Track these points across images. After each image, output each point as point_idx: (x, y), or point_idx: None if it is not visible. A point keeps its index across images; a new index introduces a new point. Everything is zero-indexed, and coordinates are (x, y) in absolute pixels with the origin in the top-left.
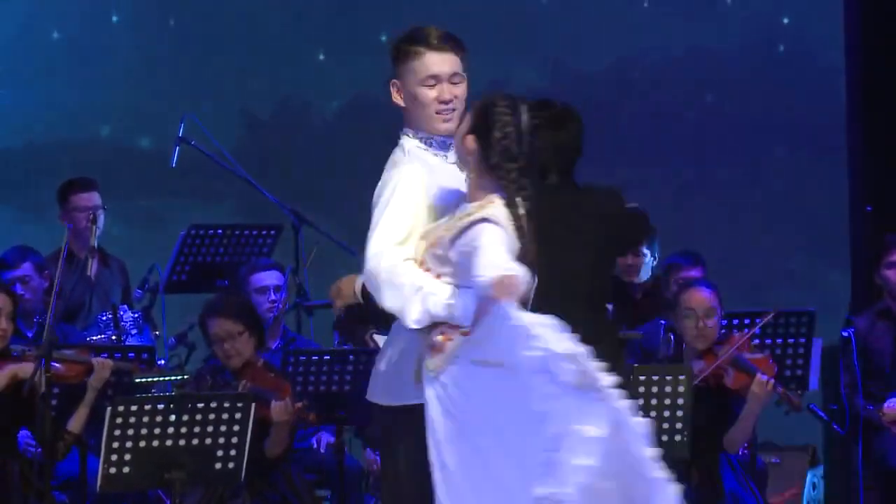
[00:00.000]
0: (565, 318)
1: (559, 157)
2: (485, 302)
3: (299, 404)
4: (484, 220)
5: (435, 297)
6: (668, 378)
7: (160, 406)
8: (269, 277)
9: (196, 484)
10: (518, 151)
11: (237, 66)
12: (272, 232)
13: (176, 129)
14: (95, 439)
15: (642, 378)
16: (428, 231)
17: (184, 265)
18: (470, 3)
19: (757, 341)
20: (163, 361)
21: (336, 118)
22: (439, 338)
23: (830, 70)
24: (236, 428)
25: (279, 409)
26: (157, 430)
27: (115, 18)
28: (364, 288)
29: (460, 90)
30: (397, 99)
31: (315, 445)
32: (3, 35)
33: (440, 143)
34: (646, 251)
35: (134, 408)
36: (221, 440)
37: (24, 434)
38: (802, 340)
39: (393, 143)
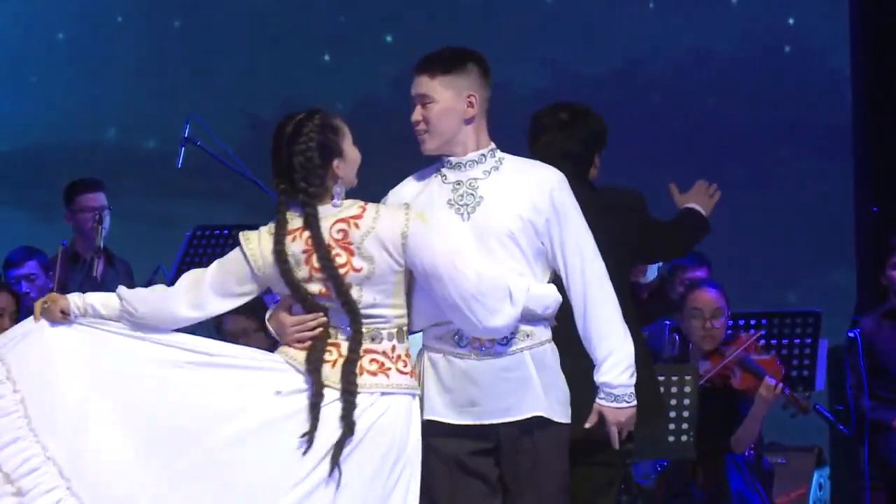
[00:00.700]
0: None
1: (560, 159)
2: None
3: None
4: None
5: None
6: (674, 378)
7: None
8: None
9: None
10: (282, 163)
11: (242, 68)
12: None
13: (181, 129)
14: None
15: None
16: None
17: (189, 266)
18: (473, 5)
19: (763, 342)
20: None
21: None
22: None
23: (836, 71)
24: None
25: None
26: None
27: (119, 19)
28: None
29: (428, 112)
30: None
31: None
32: (8, 36)
33: (443, 161)
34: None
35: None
36: None
37: None
38: (809, 341)
39: (397, 144)
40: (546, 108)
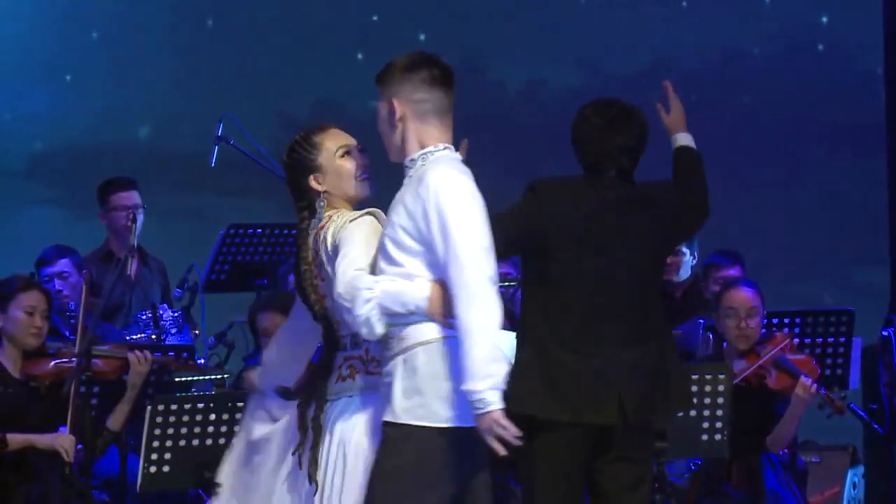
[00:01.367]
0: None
1: (619, 157)
2: None
3: None
4: None
5: None
6: (708, 377)
7: (200, 405)
8: None
9: None
10: None
11: (275, 67)
12: None
13: (214, 128)
14: (136, 439)
15: None
16: None
17: (223, 264)
18: (506, 4)
19: (798, 340)
20: (202, 360)
21: (373, 118)
22: None
23: (869, 69)
24: None
25: None
26: (197, 430)
27: (152, 19)
28: None
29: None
30: None
31: None
32: (43, 36)
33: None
34: (685, 250)
35: (174, 407)
36: None
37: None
38: (843, 340)
39: None
40: (595, 103)
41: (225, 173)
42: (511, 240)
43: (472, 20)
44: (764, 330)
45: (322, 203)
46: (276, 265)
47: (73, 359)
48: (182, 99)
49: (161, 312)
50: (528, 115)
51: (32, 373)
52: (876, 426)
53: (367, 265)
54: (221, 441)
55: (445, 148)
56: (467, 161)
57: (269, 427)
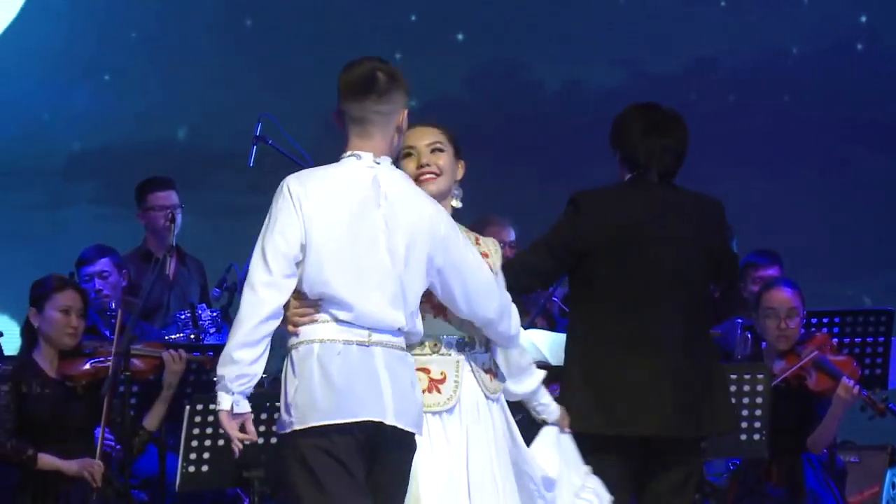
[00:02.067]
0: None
1: (661, 161)
2: None
3: None
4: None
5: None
6: (747, 377)
7: None
8: None
9: (275, 483)
10: None
11: (313, 66)
12: None
13: (253, 128)
14: (174, 438)
15: None
16: None
17: None
18: (545, 4)
19: (836, 340)
20: None
21: (413, 118)
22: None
23: None
24: None
25: None
26: None
27: (191, 19)
28: None
29: None
30: (405, 128)
31: None
32: (83, 36)
33: None
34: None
35: (213, 407)
36: None
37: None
38: (882, 339)
39: (468, 140)
40: (637, 107)
41: (263, 173)
42: (559, 259)
43: (510, 20)
44: (804, 330)
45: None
46: None
47: (110, 358)
48: (221, 99)
49: (199, 312)
50: (566, 115)
51: (68, 373)
52: None
53: None
54: (260, 440)
55: (351, 155)
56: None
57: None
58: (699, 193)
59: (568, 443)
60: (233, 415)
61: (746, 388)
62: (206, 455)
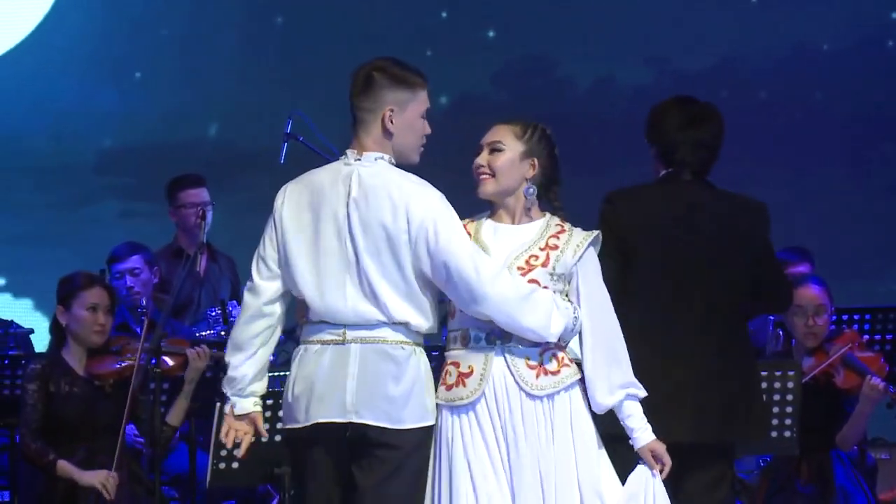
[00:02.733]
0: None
1: (696, 155)
2: None
3: None
4: (596, 237)
5: (567, 311)
6: (778, 374)
7: (269, 402)
8: None
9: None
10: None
11: (344, 64)
12: None
13: (284, 126)
14: (204, 435)
15: None
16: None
17: None
18: (576, 1)
19: (866, 337)
20: (272, 357)
21: (443, 115)
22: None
23: None
24: None
25: None
26: (265, 426)
27: (222, 16)
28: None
29: None
30: (389, 124)
31: None
32: (113, 33)
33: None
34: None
35: None
36: None
37: (130, 429)
38: None
39: None
40: (672, 101)
41: (294, 170)
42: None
43: (540, 17)
44: (833, 327)
45: None
46: None
47: (141, 356)
48: (251, 96)
49: (230, 309)
50: (597, 113)
51: (96, 372)
52: None
53: None
54: None
55: (342, 154)
56: None
57: None
58: (739, 194)
59: (657, 489)
60: (236, 416)
61: (777, 384)
62: (236, 452)
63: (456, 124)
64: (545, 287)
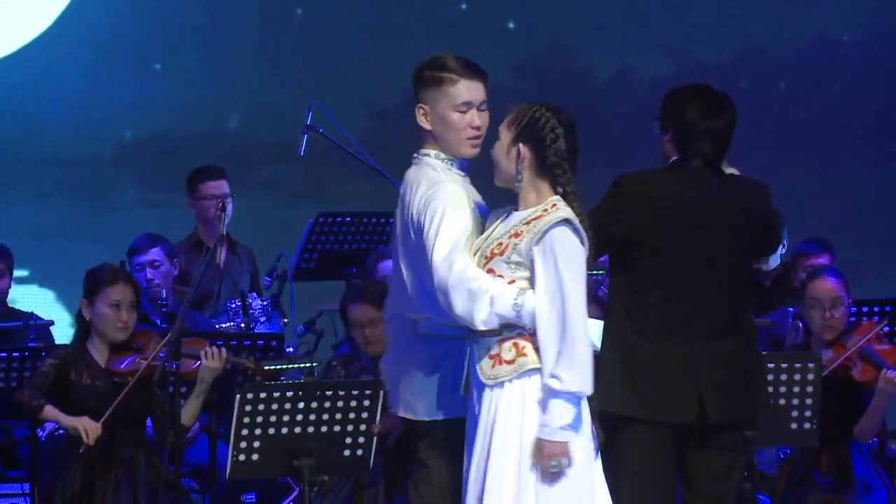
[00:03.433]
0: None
1: (709, 143)
2: None
3: None
4: (564, 220)
5: (504, 299)
6: (797, 366)
7: (289, 393)
8: None
9: (325, 471)
10: (567, 149)
11: (364, 56)
12: None
13: (303, 117)
14: (224, 427)
15: (771, 365)
16: (481, 244)
17: (312, 253)
18: None
19: (887, 328)
20: (291, 349)
21: None
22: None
23: None
24: (365, 415)
25: None
26: (285, 418)
27: (242, 8)
28: None
29: (486, 118)
30: (423, 122)
31: None
32: (134, 25)
33: (461, 164)
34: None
35: (263, 395)
36: (350, 427)
37: (150, 423)
38: None
39: None
40: (691, 86)
41: (314, 162)
42: (601, 237)
43: (560, 8)
44: (853, 318)
45: None
46: (364, 253)
47: (159, 355)
48: (271, 88)
49: (250, 301)
50: (617, 104)
51: (116, 370)
52: None
53: None
54: (310, 429)
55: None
56: None
57: None
58: (743, 177)
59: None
60: None
61: (797, 376)
62: (256, 444)
63: None
64: (500, 276)
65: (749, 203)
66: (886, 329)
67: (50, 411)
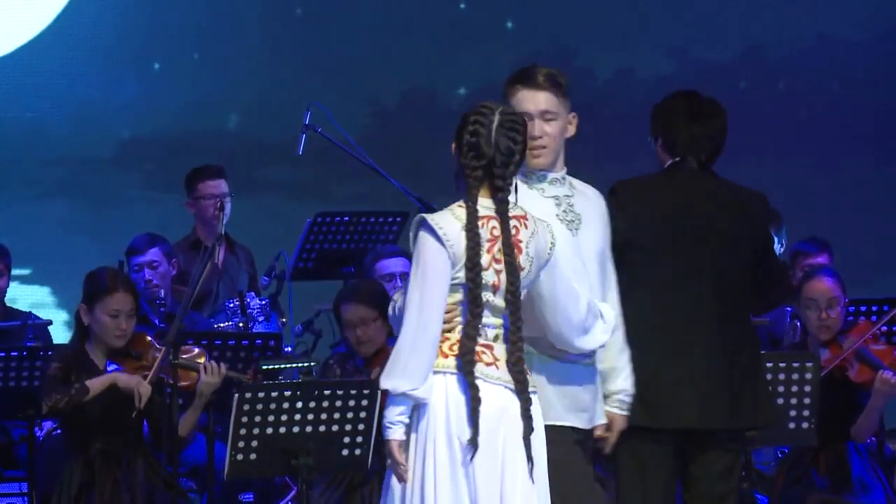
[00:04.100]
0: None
1: (697, 148)
2: None
3: None
4: (423, 220)
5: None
6: (795, 365)
7: (287, 393)
8: (395, 264)
9: (323, 471)
10: (487, 151)
11: (363, 55)
12: (398, 219)
13: (302, 117)
14: (222, 426)
15: (769, 365)
16: None
17: (310, 252)
18: None
19: (885, 328)
20: (289, 349)
21: (463, 106)
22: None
23: None
24: (363, 415)
25: None
26: (283, 417)
27: (242, 7)
28: None
29: (551, 128)
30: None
31: None
32: (133, 24)
33: (539, 176)
34: (773, 237)
35: (261, 395)
36: (348, 427)
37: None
38: None
39: None
40: (680, 93)
41: (313, 162)
42: None
43: (560, 8)
44: (851, 318)
45: None
46: (362, 253)
47: (160, 359)
48: (270, 87)
49: (248, 300)
50: (617, 103)
51: None
52: None
53: None
54: (308, 429)
55: None
56: None
57: None
58: (742, 186)
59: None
60: None
61: (795, 376)
62: (254, 443)
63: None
64: None
65: (744, 208)
66: (885, 329)
67: (95, 381)
